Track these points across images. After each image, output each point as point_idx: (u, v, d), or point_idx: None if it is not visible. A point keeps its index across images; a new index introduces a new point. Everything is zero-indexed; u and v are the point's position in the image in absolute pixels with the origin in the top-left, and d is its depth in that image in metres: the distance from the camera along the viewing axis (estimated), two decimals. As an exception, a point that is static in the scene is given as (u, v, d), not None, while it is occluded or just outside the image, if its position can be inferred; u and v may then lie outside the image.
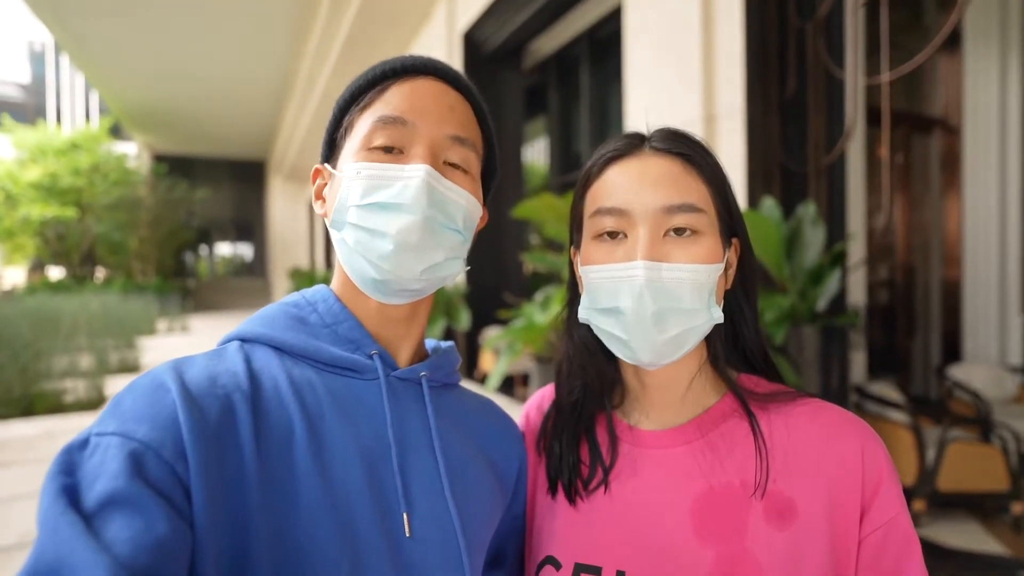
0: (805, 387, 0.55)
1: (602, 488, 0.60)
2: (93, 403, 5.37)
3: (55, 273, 19.56)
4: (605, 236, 0.57)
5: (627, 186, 0.56)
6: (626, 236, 0.56)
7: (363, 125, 0.56)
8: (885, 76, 2.23)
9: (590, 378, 0.64)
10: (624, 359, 0.59)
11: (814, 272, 2.26)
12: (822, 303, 2.28)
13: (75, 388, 5.53)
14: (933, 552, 2.50)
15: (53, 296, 11.52)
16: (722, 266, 0.57)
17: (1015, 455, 2.78)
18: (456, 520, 0.54)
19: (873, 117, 3.40)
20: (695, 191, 0.56)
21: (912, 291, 4.78)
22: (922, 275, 4.78)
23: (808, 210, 2.29)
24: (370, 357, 0.56)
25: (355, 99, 0.58)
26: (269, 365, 0.52)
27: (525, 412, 0.73)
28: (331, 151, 0.60)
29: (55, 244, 17.14)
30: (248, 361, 0.52)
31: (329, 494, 0.48)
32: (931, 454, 2.73)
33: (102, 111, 35.60)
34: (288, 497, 0.46)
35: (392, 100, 0.56)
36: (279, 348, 0.55)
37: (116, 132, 19.74)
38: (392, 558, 0.49)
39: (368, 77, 0.58)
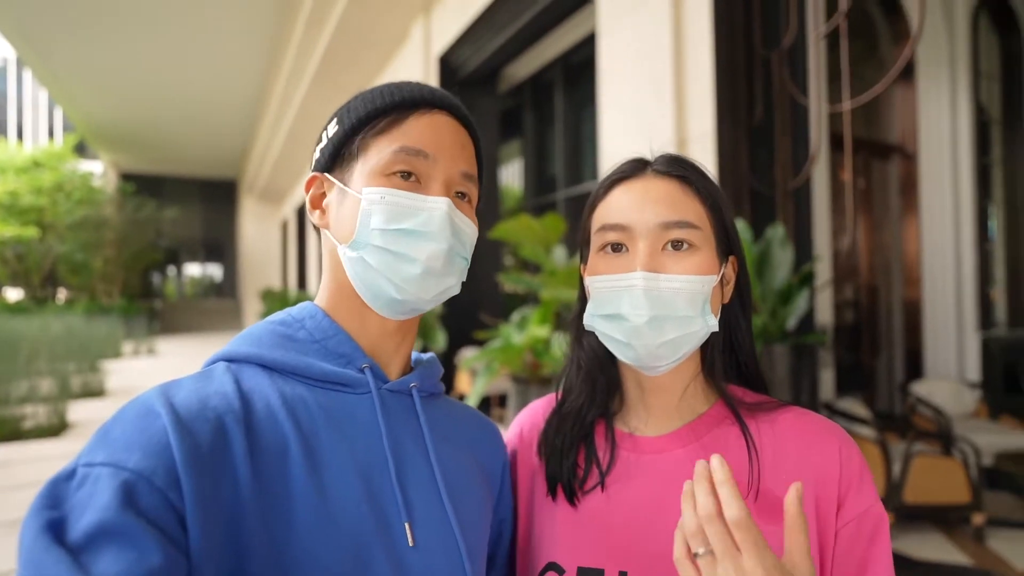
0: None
1: (600, 491, 0.63)
2: (54, 429, 5.18)
3: (13, 295, 18.86)
4: (609, 249, 0.62)
5: (630, 204, 0.61)
6: (628, 249, 0.61)
7: (381, 151, 0.57)
8: (847, 104, 2.35)
9: (598, 383, 0.68)
10: (625, 360, 0.63)
11: (783, 292, 2.34)
12: (791, 322, 2.35)
13: (35, 414, 5.32)
14: (898, 563, 2.56)
15: (11, 318, 11.09)
16: (716, 278, 0.61)
17: (975, 468, 2.89)
18: (456, 527, 0.55)
19: (836, 143, 3.55)
20: (692, 210, 0.61)
21: (875, 310, 4.94)
22: (884, 295, 4.96)
23: (777, 232, 2.37)
24: (361, 371, 0.57)
25: (369, 120, 0.58)
26: (260, 384, 0.52)
27: (518, 427, 0.75)
28: (333, 163, 0.60)
29: (14, 264, 16.56)
30: (238, 382, 0.51)
31: (327, 510, 0.48)
32: (897, 468, 2.81)
33: (66, 128, 34.77)
34: (285, 516, 0.46)
35: (412, 132, 0.57)
36: (268, 367, 0.55)
37: (81, 150, 19.31)
38: (395, 569, 0.50)
39: (387, 101, 0.59)
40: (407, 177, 0.56)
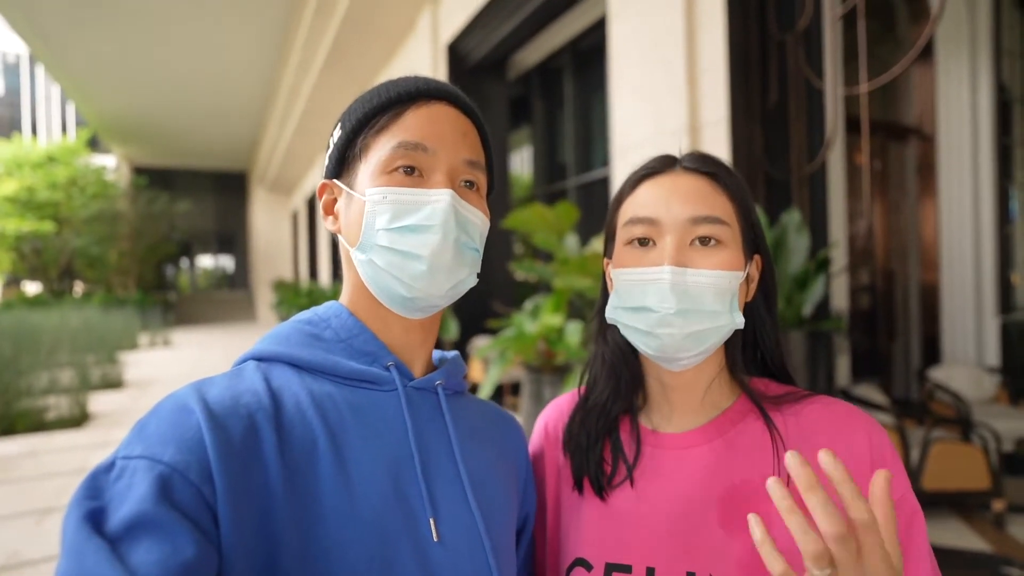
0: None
1: (628, 488, 0.63)
2: (76, 420, 5.27)
3: (32, 288, 19.17)
4: (636, 243, 0.62)
5: (658, 198, 0.61)
6: (655, 243, 0.61)
7: (381, 149, 0.57)
8: (863, 86, 2.30)
9: (623, 377, 0.68)
10: (648, 351, 0.62)
11: (799, 278, 2.31)
12: (807, 309, 2.33)
13: (57, 405, 5.43)
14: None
15: (31, 312, 11.29)
16: (742, 275, 0.61)
17: (995, 454, 2.86)
18: (480, 523, 0.56)
19: (852, 126, 3.49)
20: (720, 206, 0.61)
21: (892, 295, 4.88)
22: (901, 279, 4.89)
23: (792, 217, 2.34)
24: (387, 369, 0.58)
25: (368, 120, 0.59)
26: (289, 383, 0.53)
27: (543, 423, 0.75)
28: (340, 168, 0.61)
29: (32, 259, 16.81)
30: (267, 380, 0.53)
31: (355, 505, 0.49)
32: (915, 454, 2.79)
33: (79, 123, 35.06)
34: (315, 512, 0.47)
35: (410, 126, 0.57)
36: (296, 365, 0.56)
37: (94, 144, 19.49)
38: (420, 564, 0.51)
39: (383, 99, 0.59)
40: (410, 172, 0.56)
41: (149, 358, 10.05)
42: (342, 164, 0.61)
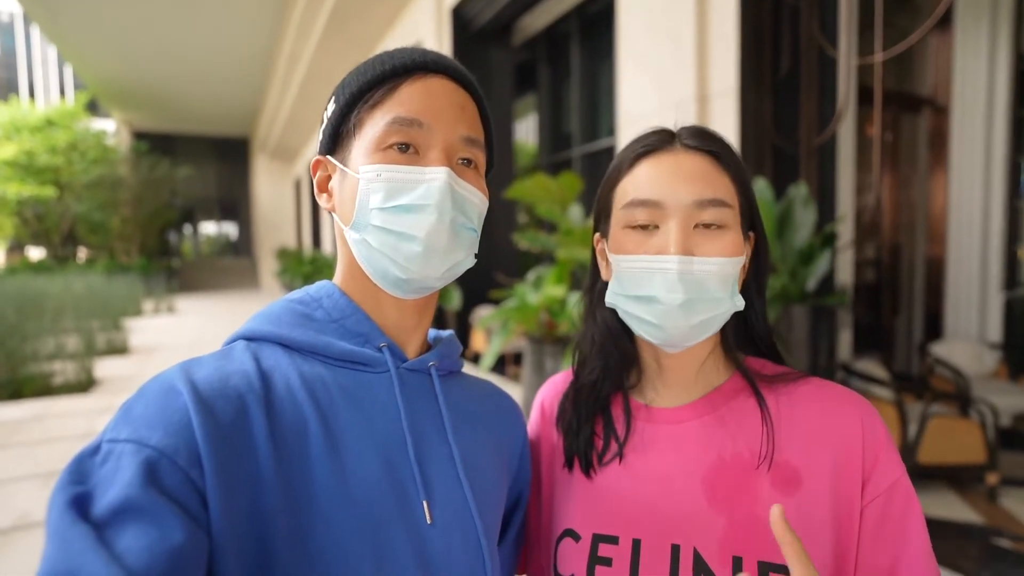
0: (794, 366, 0.61)
1: (617, 461, 0.64)
2: (83, 385, 5.34)
3: (35, 253, 19.22)
4: (638, 227, 0.60)
5: (660, 180, 0.59)
6: (657, 227, 0.59)
7: (375, 124, 0.55)
8: (878, 56, 2.24)
9: (611, 358, 0.67)
10: (654, 341, 0.62)
11: (805, 252, 2.29)
12: (812, 283, 2.31)
13: (63, 370, 5.48)
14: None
15: (35, 277, 11.34)
16: (744, 259, 0.60)
17: (992, 428, 2.87)
18: (473, 505, 0.56)
19: (863, 96, 3.42)
20: (723, 187, 0.59)
21: (897, 270, 4.86)
22: (907, 254, 4.86)
23: (799, 191, 2.31)
24: (379, 350, 0.57)
25: (363, 94, 0.57)
26: (279, 363, 0.52)
27: (540, 401, 0.75)
28: (334, 144, 0.59)
29: (34, 224, 16.79)
30: (257, 360, 0.51)
31: (347, 489, 0.48)
32: (913, 428, 2.81)
33: (77, 86, 34.59)
34: (306, 495, 0.47)
35: (405, 100, 0.55)
36: (287, 345, 0.54)
37: (93, 108, 19.25)
38: (414, 547, 0.51)
39: (378, 72, 0.56)
40: (405, 149, 0.54)
41: (154, 324, 10.11)
42: (336, 140, 0.58)
